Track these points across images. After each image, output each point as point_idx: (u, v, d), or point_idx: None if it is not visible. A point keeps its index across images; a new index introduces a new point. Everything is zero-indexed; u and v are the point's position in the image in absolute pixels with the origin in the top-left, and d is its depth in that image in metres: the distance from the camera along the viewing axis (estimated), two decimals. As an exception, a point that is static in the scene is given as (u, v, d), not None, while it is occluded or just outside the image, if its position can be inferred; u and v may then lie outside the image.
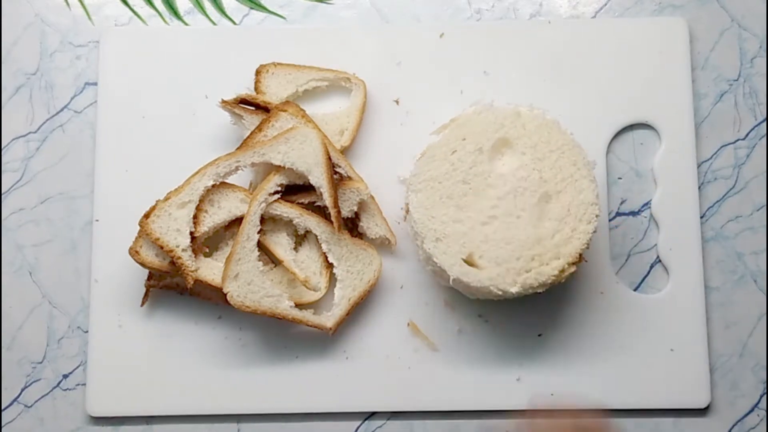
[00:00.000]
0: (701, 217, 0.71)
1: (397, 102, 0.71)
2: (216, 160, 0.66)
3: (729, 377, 0.69)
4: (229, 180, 0.67)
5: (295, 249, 0.68)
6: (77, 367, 0.70)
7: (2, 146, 0.72)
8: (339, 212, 0.66)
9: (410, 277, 0.69)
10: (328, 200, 0.65)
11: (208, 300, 0.68)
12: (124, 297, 0.69)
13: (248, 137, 0.67)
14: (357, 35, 0.72)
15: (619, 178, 0.71)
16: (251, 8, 0.75)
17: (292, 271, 0.66)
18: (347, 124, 0.70)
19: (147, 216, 0.65)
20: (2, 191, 0.72)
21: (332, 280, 0.68)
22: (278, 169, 0.66)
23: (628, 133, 0.72)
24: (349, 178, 0.68)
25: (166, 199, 0.65)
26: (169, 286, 0.68)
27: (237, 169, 0.66)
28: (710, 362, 0.69)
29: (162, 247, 0.65)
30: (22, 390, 0.70)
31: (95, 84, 0.73)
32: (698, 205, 0.70)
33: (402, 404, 0.68)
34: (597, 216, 0.62)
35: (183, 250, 0.65)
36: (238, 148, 0.67)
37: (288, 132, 0.66)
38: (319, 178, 0.65)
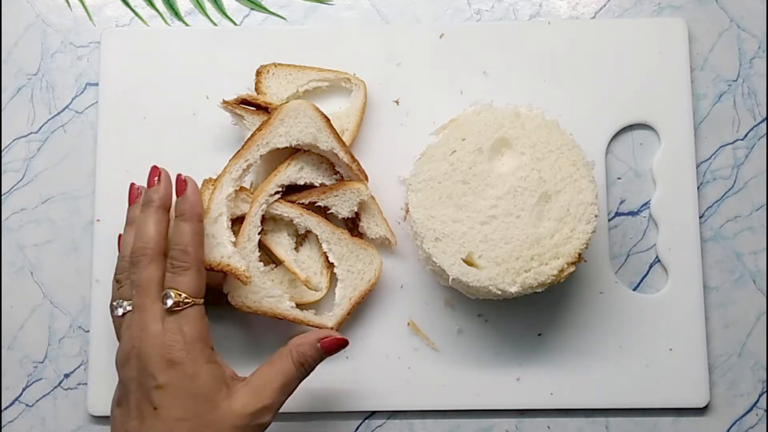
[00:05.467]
0: (700, 217, 0.71)
1: (397, 102, 0.72)
2: (226, 167, 0.66)
3: (728, 377, 0.70)
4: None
5: (296, 249, 0.68)
6: (78, 367, 0.70)
7: (3, 146, 0.73)
8: (359, 165, 0.67)
9: (410, 277, 0.70)
10: (345, 158, 0.66)
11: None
12: (125, 297, 0.69)
13: (249, 138, 0.67)
14: (357, 36, 0.72)
15: (618, 178, 0.72)
16: (252, 9, 0.75)
17: (293, 271, 0.66)
18: (347, 125, 0.70)
19: None
20: (3, 191, 0.72)
21: (333, 280, 0.68)
22: (286, 158, 0.66)
23: (627, 133, 0.72)
24: (356, 174, 0.67)
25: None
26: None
27: (249, 167, 0.66)
28: (709, 362, 0.69)
29: (212, 268, 0.63)
30: (24, 389, 0.70)
31: (96, 84, 0.73)
32: (697, 205, 0.70)
33: (402, 404, 0.68)
34: (596, 216, 0.62)
35: (229, 257, 0.64)
36: (240, 149, 0.67)
37: (279, 112, 0.66)
38: (327, 141, 0.66)
